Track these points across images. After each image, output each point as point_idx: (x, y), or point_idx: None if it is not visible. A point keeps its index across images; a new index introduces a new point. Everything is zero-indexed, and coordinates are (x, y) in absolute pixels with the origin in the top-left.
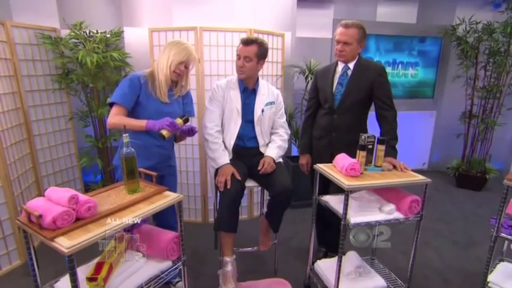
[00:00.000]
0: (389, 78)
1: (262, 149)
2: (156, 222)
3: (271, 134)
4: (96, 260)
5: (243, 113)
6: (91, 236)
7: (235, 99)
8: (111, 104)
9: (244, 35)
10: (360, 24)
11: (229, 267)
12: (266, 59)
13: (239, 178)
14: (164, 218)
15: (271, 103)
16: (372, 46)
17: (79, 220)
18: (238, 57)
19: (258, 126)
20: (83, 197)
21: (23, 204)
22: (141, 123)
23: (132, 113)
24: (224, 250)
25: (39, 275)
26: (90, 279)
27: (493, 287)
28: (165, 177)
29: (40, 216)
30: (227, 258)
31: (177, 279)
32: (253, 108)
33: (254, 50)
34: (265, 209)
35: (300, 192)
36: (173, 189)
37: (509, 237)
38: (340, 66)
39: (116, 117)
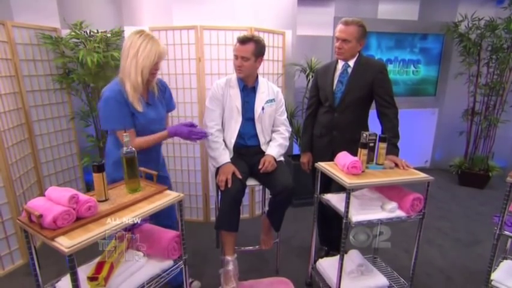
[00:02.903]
0: (391, 75)
1: (263, 147)
2: (154, 221)
3: (272, 131)
4: (97, 260)
5: (243, 111)
6: (91, 235)
7: (235, 97)
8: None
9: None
10: (360, 22)
11: (230, 266)
12: (266, 57)
13: (240, 177)
14: (161, 219)
15: (271, 101)
16: (374, 44)
17: (79, 220)
18: (236, 56)
19: (259, 124)
20: (83, 196)
21: (24, 204)
22: (162, 134)
23: None
24: (225, 249)
25: (41, 275)
26: (91, 279)
27: (497, 285)
28: None
29: (40, 216)
30: (228, 257)
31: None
32: (254, 106)
33: (251, 49)
34: (266, 208)
35: (302, 191)
36: None
37: None
38: (340, 64)
39: (136, 141)
